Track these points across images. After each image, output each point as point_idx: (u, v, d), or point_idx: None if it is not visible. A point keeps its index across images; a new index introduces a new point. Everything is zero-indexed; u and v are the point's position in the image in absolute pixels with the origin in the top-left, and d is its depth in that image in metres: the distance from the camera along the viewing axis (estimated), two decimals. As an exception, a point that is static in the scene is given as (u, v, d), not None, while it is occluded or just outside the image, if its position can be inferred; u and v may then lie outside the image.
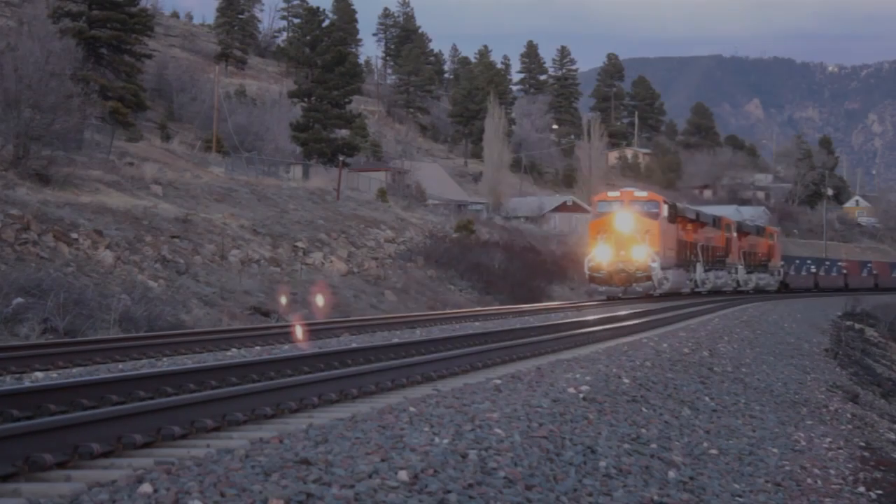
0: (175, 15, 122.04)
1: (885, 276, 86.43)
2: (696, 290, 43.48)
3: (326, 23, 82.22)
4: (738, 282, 52.34)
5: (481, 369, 12.62)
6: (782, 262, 66.22)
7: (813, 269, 74.63)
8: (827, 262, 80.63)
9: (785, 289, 64.29)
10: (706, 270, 44.93)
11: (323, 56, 74.32)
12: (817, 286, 71.79)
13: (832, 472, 9.89)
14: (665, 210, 38.42)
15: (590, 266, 37.15)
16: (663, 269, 37.51)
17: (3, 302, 20.36)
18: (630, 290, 37.38)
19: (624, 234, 36.90)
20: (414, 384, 10.75)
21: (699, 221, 43.99)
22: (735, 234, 52.52)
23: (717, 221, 48.55)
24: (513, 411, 8.65)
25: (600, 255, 36.94)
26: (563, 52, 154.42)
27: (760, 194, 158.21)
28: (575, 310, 32.97)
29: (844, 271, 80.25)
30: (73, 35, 48.98)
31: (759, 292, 57.56)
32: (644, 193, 41.16)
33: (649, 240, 36.83)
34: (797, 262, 72.54)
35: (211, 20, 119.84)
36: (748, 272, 54.47)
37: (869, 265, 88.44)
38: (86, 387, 8.93)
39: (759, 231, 61.11)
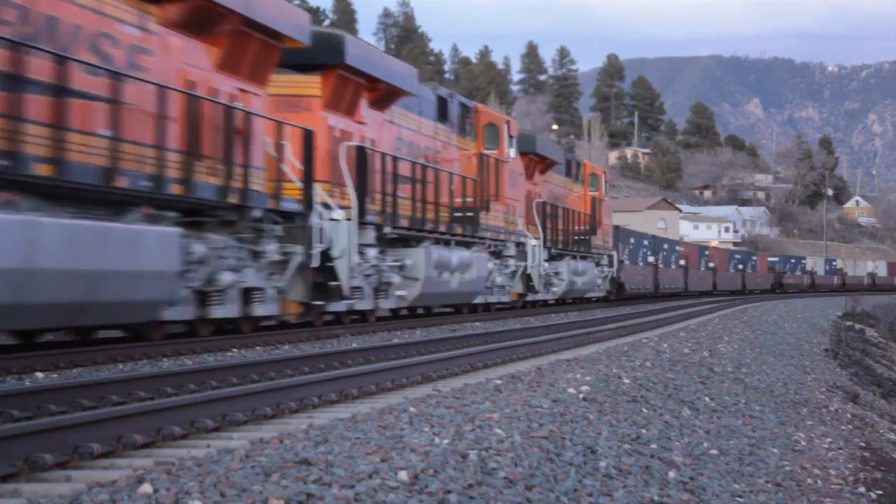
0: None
1: (723, 269, 64.99)
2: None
3: (326, 23, 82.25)
4: (522, 280, 29.50)
5: (481, 369, 12.63)
6: (610, 246, 41.23)
7: (651, 259, 49.75)
8: (665, 246, 54.14)
9: (618, 292, 42.41)
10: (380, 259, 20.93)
11: (323, 56, 74.15)
12: (657, 288, 50.09)
13: (832, 472, 9.89)
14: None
15: None
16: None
17: None
18: None
19: None
20: (414, 384, 10.76)
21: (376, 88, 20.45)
22: (511, 164, 28.67)
23: (444, 110, 24.81)
24: (513, 411, 8.65)
25: None
26: (563, 53, 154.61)
27: (760, 194, 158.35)
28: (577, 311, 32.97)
29: (682, 262, 56.78)
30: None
31: (574, 302, 36.47)
32: None
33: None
34: (631, 241, 46.34)
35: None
36: (551, 257, 31.86)
37: (707, 254, 64.36)
38: (86, 387, 8.94)
39: (574, 170, 36.22)
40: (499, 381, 10.62)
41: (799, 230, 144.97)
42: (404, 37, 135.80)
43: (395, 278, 20.93)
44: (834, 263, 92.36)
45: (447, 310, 26.46)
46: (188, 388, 9.74)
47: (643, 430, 9.04)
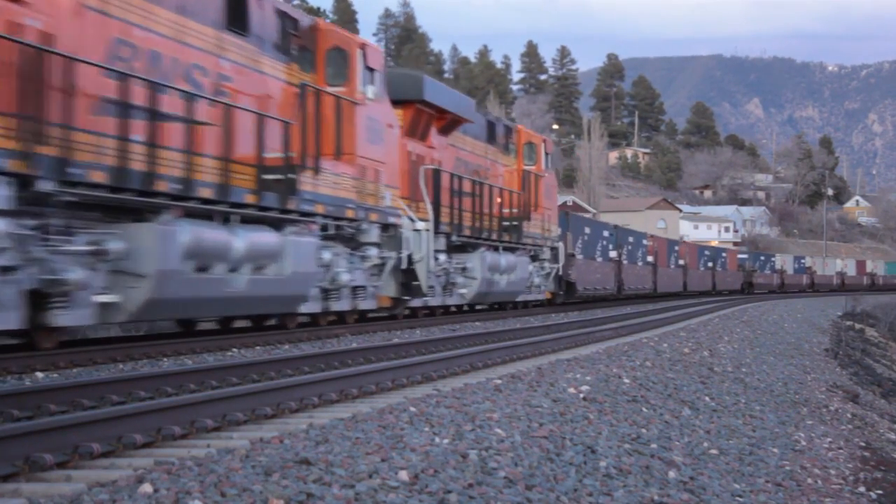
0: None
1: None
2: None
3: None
4: (393, 279, 20.68)
5: (481, 369, 12.63)
6: (558, 231, 33.62)
7: (613, 254, 42.49)
8: (630, 239, 46.55)
9: (567, 294, 34.96)
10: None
11: (323, 56, 74.20)
12: (621, 289, 43.05)
13: (832, 472, 9.89)
14: None
15: None
16: None
17: None
18: None
19: None
20: (414, 384, 10.76)
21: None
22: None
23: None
24: (513, 411, 8.65)
25: None
26: (563, 52, 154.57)
27: (761, 194, 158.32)
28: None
29: (651, 259, 49.94)
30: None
31: (495, 308, 28.94)
32: None
33: None
34: (586, 231, 38.78)
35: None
36: (455, 248, 24.77)
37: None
38: (86, 387, 8.94)
39: (503, 137, 29.11)
40: (499, 381, 10.62)
41: (799, 230, 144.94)
42: (405, 37, 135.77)
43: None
44: (803, 262, 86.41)
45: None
46: (188, 387, 9.74)
47: (643, 430, 9.04)
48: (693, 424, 10.13)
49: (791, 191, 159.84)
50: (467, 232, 25.16)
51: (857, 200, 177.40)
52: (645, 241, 49.77)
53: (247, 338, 15.90)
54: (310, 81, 17.54)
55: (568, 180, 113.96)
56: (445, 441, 7.14)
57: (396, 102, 21.36)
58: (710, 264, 64.01)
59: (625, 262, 44.51)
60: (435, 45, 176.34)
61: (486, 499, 5.97)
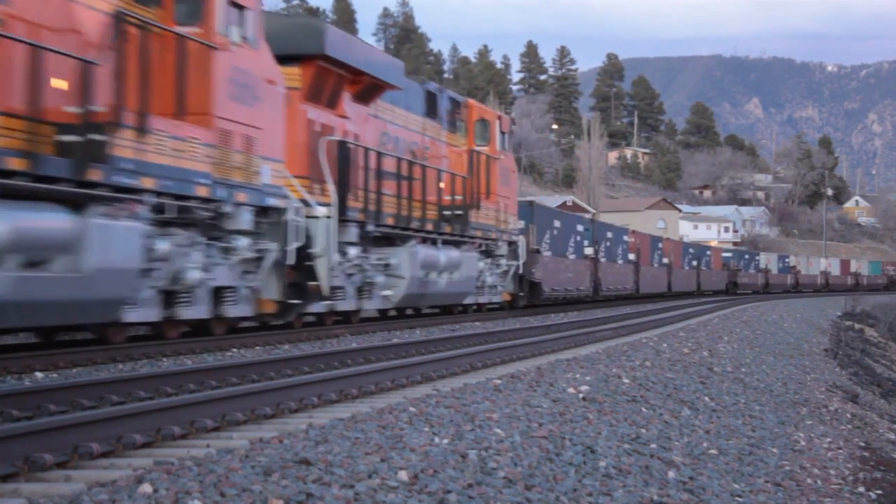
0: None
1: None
2: None
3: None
4: (276, 278, 16.85)
5: (481, 369, 12.63)
6: (519, 224, 29.49)
7: (588, 251, 38.56)
8: (609, 235, 42.57)
9: (532, 295, 30.76)
10: None
11: (323, 56, 74.23)
12: (598, 290, 39.14)
13: (832, 472, 9.89)
14: None
15: None
16: None
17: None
18: None
19: None
20: (414, 384, 10.76)
21: None
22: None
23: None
24: (513, 411, 8.66)
25: None
26: (563, 52, 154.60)
27: (760, 194, 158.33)
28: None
29: (633, 257, 46.09)
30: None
31: (430, 313, 25.26)
32: None
33: None
34: (556, 224, 34.86)
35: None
36: (372, 239, 20.40)
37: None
38: (85, 387, 8.94)
39: (448, 113, 25.01)
40: (498, 381, 10.62)
41: (799, 230, 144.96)
42: (404, 37, 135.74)
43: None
44: (787, 261, 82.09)
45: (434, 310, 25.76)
46: (188, 387, 9.75)
47: (643, 430, 9.04)
48: (692, 424, 10.13)
49: (791, 191, 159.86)
50: (390, 221, 20.54)
51: (857, 200, 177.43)
52: (626, 238, 45.56)
53: (246, 338, 15.90)
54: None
55: (568, 180, 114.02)
56: (445, 441, 7.15)
57: (292, 58, 17.34)
58: (694, 263, 59.74)
59: (602, 259, 40.26)
60: (434, 45, 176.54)
61: (485, 499, 5.97)
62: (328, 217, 17.67)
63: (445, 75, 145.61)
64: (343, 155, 18.74)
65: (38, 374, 11.23)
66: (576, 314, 30.34)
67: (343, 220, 18.48)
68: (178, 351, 13.89)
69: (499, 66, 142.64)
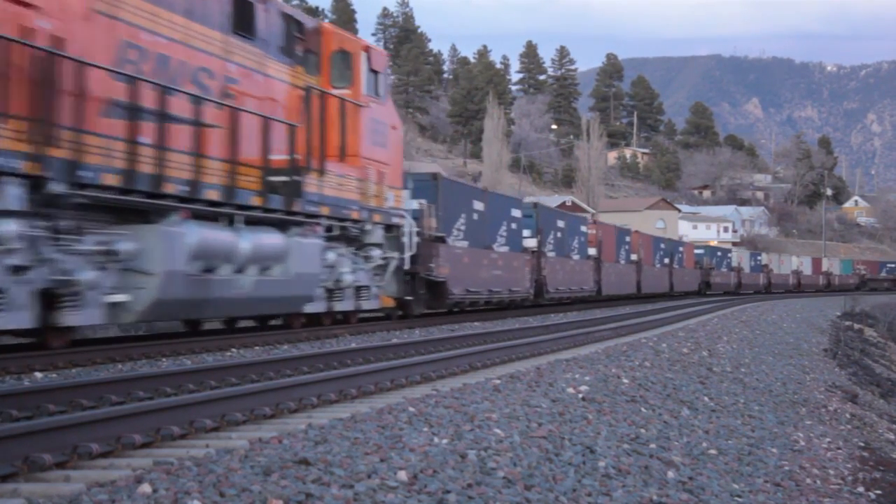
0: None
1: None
2: None
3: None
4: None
5: (480, 369, 12.63)
6: (411, 203, 22.24)
7: (530, 243, 32.00)
8: (560, 223, 36.15)
9: (434, 300, 23.94)
10: None
11: (322, 56, 74.26)
12: (542, 291, 32.44)
13: (831, 472, 9.89)
14: None
15: None
16: None
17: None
18: None
19: None
20: (413, 384, 10.76)
21: None
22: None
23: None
24: (512, 411, 8.66)
25: None
26: (563, 52, 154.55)
27: (759, 194, 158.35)
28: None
29: (593, 252, 40.26)
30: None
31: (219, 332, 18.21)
32: None
33: None
34: (476, 206, 27.51)
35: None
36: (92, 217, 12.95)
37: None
38: (85, 387, 8.94)
39: (249, 20, 16.00)
40: (498, 381, 10.62)
41: (798, 230, 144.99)
42: (403, 37, 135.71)
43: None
44: (759, 258, 76.19)
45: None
46: (187, 387, 9.75)
47: (642, 430, 9.05)
48: (692, 424, 10.14)
49: (790, 191, 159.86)
50: (116, 181, 12.83)
51: (856, 200, 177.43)
52: (584, 228, 39.46)
53: (246, 338, 15.91)
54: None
55: (567, 180, 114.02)
56: (444, 441, 7.15)
57: None
58: (666, 260, 53.41)
59: (550, 254, 33.39)
60: (434, 45, 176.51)
61: (485, 499, 5.97)
62: None
63: (445, 75, 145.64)
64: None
65: (38, 374, 11.23)
66: (576, 314, 30.34)
67: None
68: (177, 351, 13.89)
69: (498, 66, 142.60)
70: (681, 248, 58.22)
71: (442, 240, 24.47)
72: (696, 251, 63.38)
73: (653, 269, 49.79)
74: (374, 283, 20.48)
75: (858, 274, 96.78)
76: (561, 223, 36.19)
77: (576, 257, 37.67)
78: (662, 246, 53.72)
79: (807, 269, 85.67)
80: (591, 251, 39.91)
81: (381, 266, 20.67)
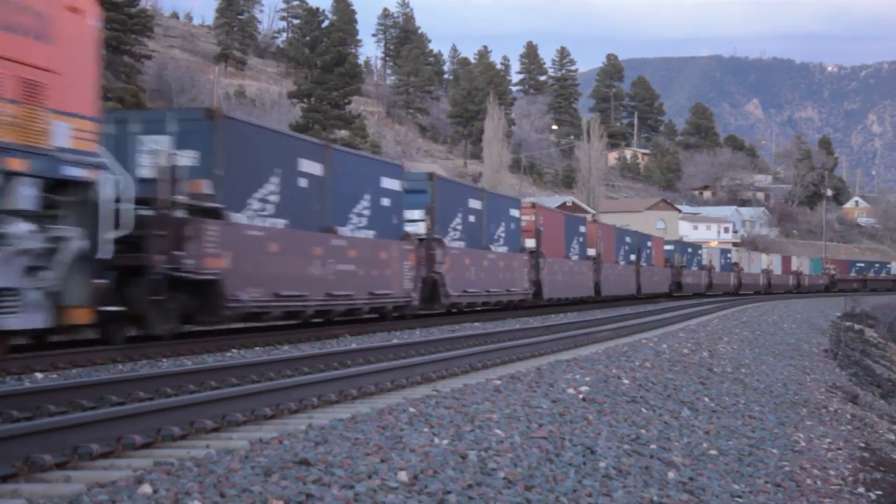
0: (174, 15, 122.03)
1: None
2: None
3: (326, 23, 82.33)
4: None
5: (481, 370, 12.62)
6: (102, 157, 11.62)
7: (413, 227, 23.09)
8: (477, 205, 27.22)
9: (199, 306, 14.80)
10: None
11: (322, 57, 74.48)
12: (435, 294, 23.60)
13: (832, 472, 9.89)
14: None
15: None
16: None
17: None
18: None
19: None
20: (413, 385, 10.76)
21: None
22: None
23: None
24: (512, 412, 8.65)
25: None
26: (563, 53, 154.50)
27: (760, 195, 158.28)
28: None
29: (531, 244, 31.84)
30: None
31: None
32: None
33: None
34: (312, 171, 18.54)
35: (210, 21, 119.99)
36: None
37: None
38: (85, 387, 8.94)
39: None
40: (498, 382, 10.62)
41: (798, 230, 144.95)
42: (404, 37, 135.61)
43: None
44: (729, 257, 70.51)
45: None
46: (187, 388, 9.75)
47: (643, 431, 9.04)
48: (692, 425, 10.13)
49: (790, 191, 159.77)
50: None
51: (857, 201, 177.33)
52: (515, 213, 30.37)
53: (246, 338, 15.90)
54: None
55: (567, 181, 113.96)
56: (445, 442, 7.14)
57: None
58: (633, 257, 45.93)
59: (453, 244, 24.76)
60: (434, 46, 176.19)
61: (485, 499, 5.97)
62: None
63: (445, 76, 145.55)
64: None
65: (38, 375, 11.22)
66: (575, 314, 30.33)
67: None
68: (177, 352, 13.89)
69: (498, 66, 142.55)
70: (649, 244, 49.80)
71: (218, 213, 15.78)
72: (667, 247, 56.01)
73: (616, 267, 42.10)
74: (29, 284, 11.01)
75: (828, 274, 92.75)
76: (475, 204, 26.84)
77: (500, 250, 27.95)
78: (628, 240, 45.78)
79: (776, 269, 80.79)
80: (529, 243, 30.86)
81: (45, 253, 11.23)
